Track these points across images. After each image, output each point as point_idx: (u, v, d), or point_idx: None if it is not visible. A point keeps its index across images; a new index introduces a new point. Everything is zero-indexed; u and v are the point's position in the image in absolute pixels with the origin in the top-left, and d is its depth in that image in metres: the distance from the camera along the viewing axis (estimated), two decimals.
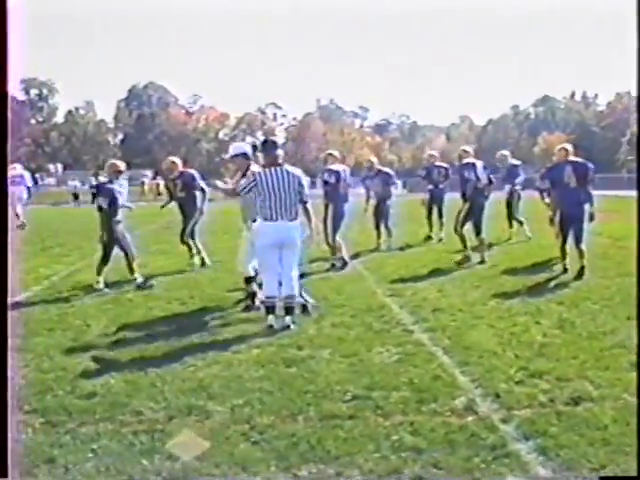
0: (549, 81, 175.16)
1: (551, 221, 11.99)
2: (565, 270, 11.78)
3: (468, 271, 12.53)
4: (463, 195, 13.60)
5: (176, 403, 5.84)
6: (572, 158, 12.02)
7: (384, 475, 4.47)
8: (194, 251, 13.76)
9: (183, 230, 13.82)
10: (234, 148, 9.94)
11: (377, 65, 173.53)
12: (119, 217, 11.74)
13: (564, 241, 11.92)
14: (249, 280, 9.66)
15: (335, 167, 13.82)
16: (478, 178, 13.52)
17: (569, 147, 12.29)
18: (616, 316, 8.61)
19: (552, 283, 11.07)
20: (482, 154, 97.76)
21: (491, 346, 7.38)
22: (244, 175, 9.09)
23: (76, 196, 49.62)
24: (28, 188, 24.32)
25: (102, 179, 12.43)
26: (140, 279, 11.53)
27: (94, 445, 5.02)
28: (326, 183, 13.62)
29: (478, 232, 13.57)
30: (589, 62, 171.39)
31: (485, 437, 5.01)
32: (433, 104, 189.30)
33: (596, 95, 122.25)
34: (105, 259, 11.55)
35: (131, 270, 11.59)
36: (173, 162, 14.15)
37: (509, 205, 17.50)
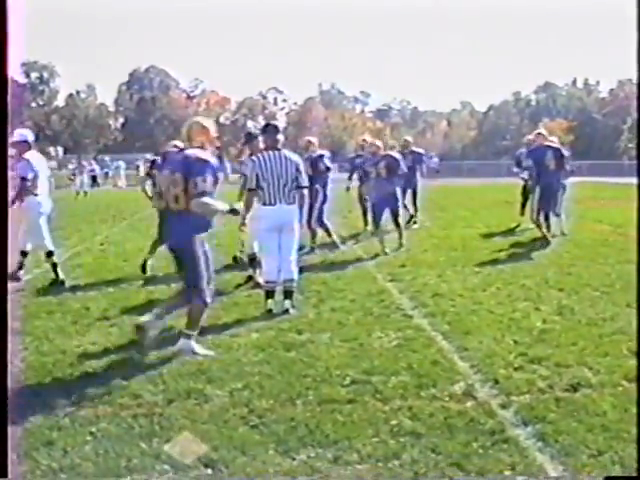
0: (551, 67, 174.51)
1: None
2: (547, 242, 13.48)
3: (469, 256, 12.51)
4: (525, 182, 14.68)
5: (175, 387, 5.84)
6: (550, 143, 14.16)
7: (382, 459, 4.47)
8: None
9: None
10: (17, 135, 10.06)
11: (378, 50, 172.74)
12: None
13: (546, 217, 13.78)
14: (252, 260, 9.71)
15: (322, 152, 13.97)
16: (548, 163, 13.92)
17: (545, 132, 14.81)
18: (616, 303, 8.61)
19: (553, 270, 11.06)
20: (483, 140, 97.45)
21: (491, 332, 7.39)
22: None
23: (95, 179, 49.97)
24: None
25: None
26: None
27: (93, 428, 5.03)
28: (318, 169, 13.57)
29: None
30: (591, 49, 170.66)
31: (484, 422, 5.01)
32: (434, 90, 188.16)
33: (598, 82, 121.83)
34: None
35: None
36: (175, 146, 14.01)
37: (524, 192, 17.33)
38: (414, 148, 18.40)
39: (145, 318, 6.76)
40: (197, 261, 6.63)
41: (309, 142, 13.97)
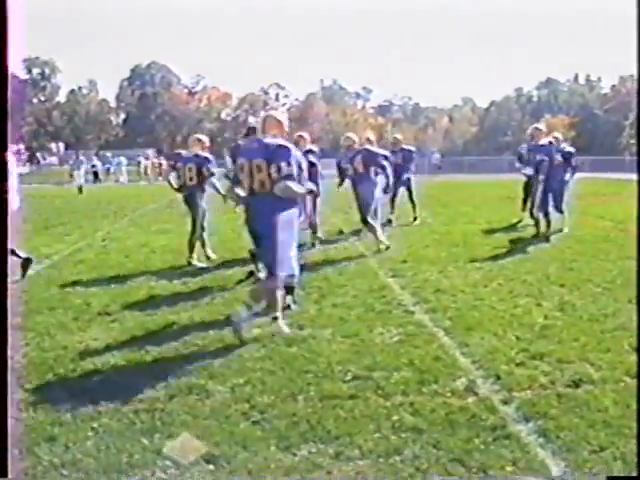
0: (552, 63, 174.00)
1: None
2: (540, 236, 13.93)
3: (471, 252, 12.51)
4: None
5: (176, 382, 5.84)
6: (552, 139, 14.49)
7: (384, 455, 4.47)
8: None
9: None
10: None
11: (380, 46, 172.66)
12: None
13: (546, 213, 13.96)
14: (253, 256, 9.72)
15: (311, 147, 13.77)
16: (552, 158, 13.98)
17: (543, 127, 14.97)
18: (617, 299, 8.60)
19: (554, 265, 11.05)
20: (485, 136, 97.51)
21: (492, 328, 7.38)
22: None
23: (96, 175, 50.28)
24: None
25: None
26: None
27: (94, 424, 5.03)
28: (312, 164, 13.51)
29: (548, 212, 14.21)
30: (593, 44, 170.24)
31: (485, 418, 5.01)
32: (436, 85, 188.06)
33: (600, 78, 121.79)
34: None
35: None
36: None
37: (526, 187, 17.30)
38: (404, 145, 18.33)
39: (237, 312, 7.11)
40: (277, 244, 6.99)
41: (299, 137, 13.78)
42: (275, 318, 7.22)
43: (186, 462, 4.41)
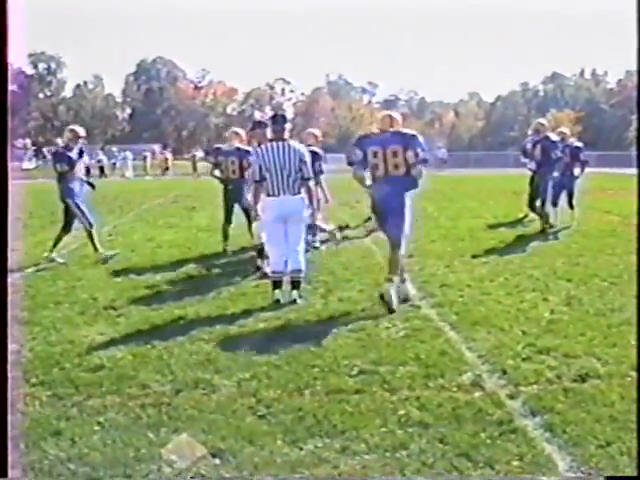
0: (558, 58, 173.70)
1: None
2: (551, 227, 14.16)
3: (477, 247, 12.49)
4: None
5: (183, 377, 5.85)
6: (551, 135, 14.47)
7: (390, 450, 4.47)
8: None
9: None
10: None
11: (386, 41, 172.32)
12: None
13: (542, 205, 14.15)
14: (260, 251, 9.72)
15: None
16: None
17: (546, 122, 15.02)
18: (624, 293, 8.59)
19: (561, 260, 11.04)
20: (491, 130, 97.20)
21: (498, 322, 7.37)
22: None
23: (102, 169, 50.72)
24: None
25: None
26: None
27: (101, 418, 5.04)
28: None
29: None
30: (599, 39, 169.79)
31: (492, 413, 5.00)
32: (442, 80, 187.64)
33: (606, 72, 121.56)
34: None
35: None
36: None
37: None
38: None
39: (386, 287, 8.00)
40: (404, 219, 8.20)
41: (310, 134, 13.76)
42: (390, 280, 8.09)
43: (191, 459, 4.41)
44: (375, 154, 8.22)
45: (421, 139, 8.25)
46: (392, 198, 8.15)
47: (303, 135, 13.82)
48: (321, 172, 12.55)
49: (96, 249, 11.65)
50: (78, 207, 11.55)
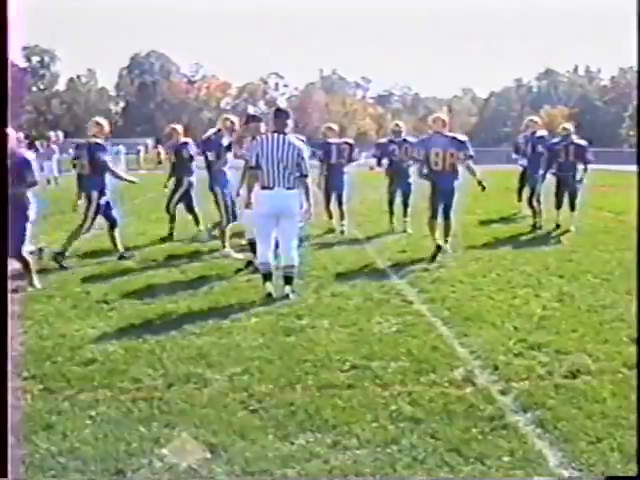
0: (552, 54, 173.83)
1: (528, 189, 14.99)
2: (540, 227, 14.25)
3: (469, 242, 12.50)
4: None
5: (175, 371, 5.85)
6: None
7: (381, 445, 4.48)
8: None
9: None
10: None
11: (380, 36, 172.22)
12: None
13: (558, 206, 14.27)
14: (252, 245, 9.71)
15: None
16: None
17: (538, 119, 15.60)
18: (616, 290, 8.62)
19: (554, 257, 11.06)
20: (484, 127, 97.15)
21: (490, 318, 7.39)
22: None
23: None
24: None
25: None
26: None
27: (92, 412, 5.04)
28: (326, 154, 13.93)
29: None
30: (593, 35, 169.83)
31: (483, 408, 5.01)
32: (435, 76, 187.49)
33: (599, 69, 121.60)
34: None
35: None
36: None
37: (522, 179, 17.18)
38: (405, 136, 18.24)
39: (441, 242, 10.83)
40: (454, 197, 11.05)
41: (328, 129, 14.78)
42: (446, 242, 11.14)
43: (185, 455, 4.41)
44: (437, 154, 10.87)
45: (468, 143, 11.07)
46: (448, 185, 10.89)
47: (322, 129, 14.51)
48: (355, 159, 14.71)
49: (115, 246, 11.46)
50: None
